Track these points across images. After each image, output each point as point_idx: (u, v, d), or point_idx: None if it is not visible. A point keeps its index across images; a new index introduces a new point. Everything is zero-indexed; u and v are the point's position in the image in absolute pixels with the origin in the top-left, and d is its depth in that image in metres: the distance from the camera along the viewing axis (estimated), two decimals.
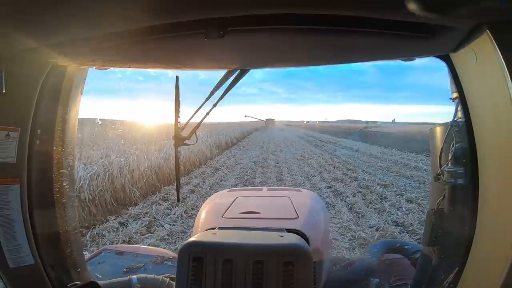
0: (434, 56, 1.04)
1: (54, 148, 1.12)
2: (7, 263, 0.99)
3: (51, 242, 1.13)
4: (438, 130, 1.20)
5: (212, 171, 11.21)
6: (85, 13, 0.66)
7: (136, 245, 2.91)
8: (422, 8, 0.60)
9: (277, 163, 13.41)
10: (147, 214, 6.54)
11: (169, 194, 7.87)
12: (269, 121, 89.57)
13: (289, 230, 1.20)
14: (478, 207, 0.93)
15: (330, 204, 7.27)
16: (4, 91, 0.85)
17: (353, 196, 7.92)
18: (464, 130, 1.02)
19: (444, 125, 1.15)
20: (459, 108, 1.08)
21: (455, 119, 1.10)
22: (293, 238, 1.12)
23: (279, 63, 1.18)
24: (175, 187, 8.20)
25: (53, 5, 0.61)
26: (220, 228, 1.23)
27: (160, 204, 7.19)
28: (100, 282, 1.30)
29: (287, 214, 1.42)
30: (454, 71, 1.00)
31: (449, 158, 1.10)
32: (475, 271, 0.95)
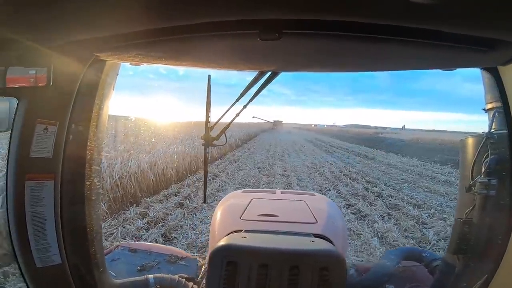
0: (481, 68, 1.05)
1: (88, 144, 1.07)
2: (34, 263, 0.96)
3: (78, 241, 1.09)
4: (471, 141, 1.20)
5: (209, 179, 9.67)
6: (133, 8, 0.64)
7: (150, 243, 2.60)
8: (482, 23, 0.64)
9: (285, 170, 11.80)
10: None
11: (149, 209, 6.33)
12: (277, 123, 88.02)
13: (315, 235, 1.21)
14: None
15: (354, 231, 5.65)
16: (51, 84, 0.83)
17: (382, 220, 6.28)
18: (502, 142, 1.03)
19: (478, 136, 1.15)
20: (495, 120, 1.08)
21: (490, 130, 1.10)
22: (325, 244, 1.14)
23: (316, 67, 1.17)
24: (155, 199, 7.14)
25: (99, 1, 0.60)
26: (247, 231, 1.22)
27: (130, 224, 5.63)
28: (117, 281, 1.28)
29: (305, 218, 1.44)
30: (500, 83, 1.00)
31: (483, 169, 1.10)
32: (505, 280, 0.96)
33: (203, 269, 1.61)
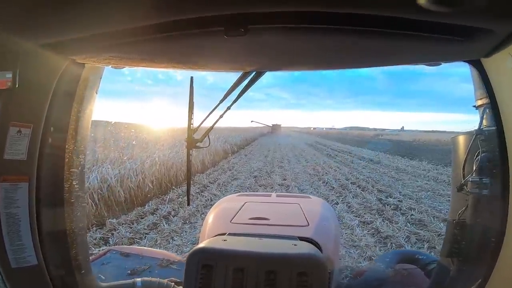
0: (464, 61, 1.00)
1: (66, 146, 1.07)
2: (10, 263, 0.96)
3: (57, 243, 1.09)
4: (461, 139, 1.17)
5: (197, 191, 8.33)
6: (103, 8, 0.63)
7: (142, 247, 2.34)
8: (460, 9, 0.58)
9: (284, 179, 10.46)
10: None
11: (112, 233, 4.99)
12: (276, 127, 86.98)
13: (301, 238, 1.19)
14: (508, 217, 0.91)
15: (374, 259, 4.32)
16: (17, 86, 0.83)
17: (409, 243, 4.98)
18: (492, 139, 1.00)
19: (468, 133, 1.13)
20: (485, 116, 1.06)
21: (481, 127, 1.07)
22: (307, 247, 1.11)
23: (301, 65, 1.13)
24: (125, 219, 5.87)
25: (65, 5, 0.60)
26: (230, 234, 1.22)
27: None
28: (103, 284, 1.27)
29: (298, 222, 1.43)
30: (485, 76, 0.96)
31: (474, 168, 1.07)
32: (500, 282, 0.94)
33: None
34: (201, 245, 1.08)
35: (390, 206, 7.19)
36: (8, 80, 0.83)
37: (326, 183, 9.90)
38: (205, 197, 7.70)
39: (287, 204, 1.74)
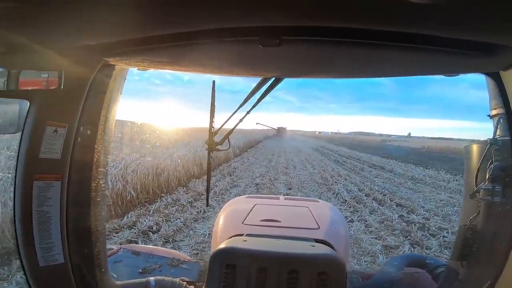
0: (482, 73, 1.03)
1: (95, 146, 1.09)
2: (38, 261, 0.96)
3: (82, 241, 1.10)
4: (475, 148, 1.20)
5: (190, 200, 7.28)
6: (141, 15, 0.65)
7: (153, 246, 2.23)
8: (482, 26, 0.63)
9: (290, 188, 9.36)
10: None
11: None
12: (281, 130, 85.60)
13: (317, 240, 1.23)
14: None
15: None
16: (62, 86, 0.85)
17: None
18: (505, 148, 1.04)
19: (482, 142, 1.15)
20: (499, 126, 1.08)
21: (495, 137, 1.10)
22: (325, 249, 1.16)
23: (325, 73, 1.17)
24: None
25: (109, 5, 0.61)
26: (248, 235, 1.26)
27: None
28: (119, 283, 1.29)
29: (308, 224, 1.48)
30: (502, 88, 0.99)
31: (487, 176, 1.10)
32: (508, 287, 0.96)
33: (205, 273, 1.59)
34: (223, 245, 1.11)
35: (416, 226, 6.07)
36: (49, 79, 0.84)
37: (337, 194, 8.77)
38: (197, 208, 6.64)
39: (296, 207, 1.78)
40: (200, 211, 6.46)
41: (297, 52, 0.88)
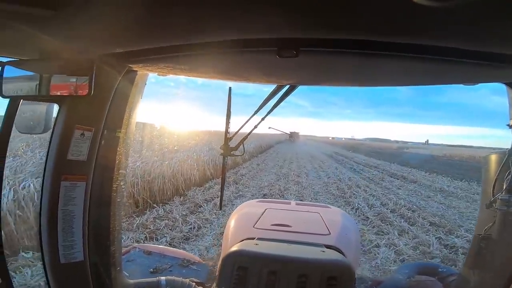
0: (502, 83, 1.05)
1: (118, 149, 1.12)
2: (59, 258, 0.99)
3: (100, 240, 1.12)
4: (493, 157, 1.20)
5: (185, 212, 6.28)
6: (163, 25, 0.69)
7: (164, 247, 2.08)
8: (498, 39, 0.64)
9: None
10: None
11: None
12: (293, 135, 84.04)
13: (327, 246, 1.24)
14: None
15: None
16: (92, 92, 0.86)
17: None
18: None
19: (501, 153, 1.16)
20: None
21: None
22: (335, 254, 1.18)
23: (340, 81, 1.20)
24: None
25: (135, 16, 0.64)
26: (259, 239, 1.28)
27: None
28: (131, 281, 1.31)
29: (318, 230, 1.48)
30: None
31: (504, 186, 1.11)
32: None
33: (213, 274, 1.66)
34: (235, 248, 1.14)
35: (460, 251, 4.84)
36: (77, 84, 0.86)
37: (357, 209, 7.56)
38: (192, 224, 5.61)
39: (307, 212, 1.78)
40: (194, 227, 5.45)
41: (313, 62, 0.89)
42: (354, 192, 9.61)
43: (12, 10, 0.58)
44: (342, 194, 9.30)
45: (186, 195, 7.74)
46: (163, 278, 1.37)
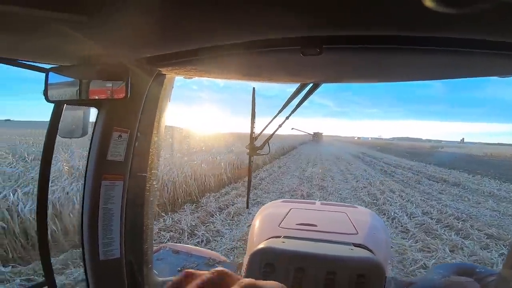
0: None
1: (150, 150, 1.16)
2: (99, 255, 1.02)
3: (135, 238, 1.15)
4: None
5: (195, 222, 5.60)
6: (191, 28, 0.71)
7: (192, 246, 2.09)
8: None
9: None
10: None
11: None
12: (317, 135, 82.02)
13: (355, 245, 1.24)
14: None
15: None
16: (129, 96, 0.90)
17: None
18: None
19: None
20: None
21: None
22: (364, 252, 1.18)
23: (364, 78, 1.17)
24: None
25: (164, 20, 0.66)
26: (285, 237, 1.30)
27: None
28: (160, 279, 1.33)
29: (345, 229, 1.47)
30: None
31: None
32: None
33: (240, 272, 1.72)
34: (262, 245, 1.17)
35: None
36: (113, 89, 0.89)
37: (393, 219, 6.48)
38: (197, 237, 4.91)
39: (333, 212, 1.78)
40: (201, 241, 4.76)
41: (337, 59, 0.89)
42: (388, 198, 8.47)
43: (51, 16, 0.59)
44: (374, 201, 8.19)
45: (199, 202, 7.10)
46: None
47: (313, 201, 2.11)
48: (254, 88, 1.37)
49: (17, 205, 4.09)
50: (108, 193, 1.01)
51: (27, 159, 7.64)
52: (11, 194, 4.29)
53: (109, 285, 1.07)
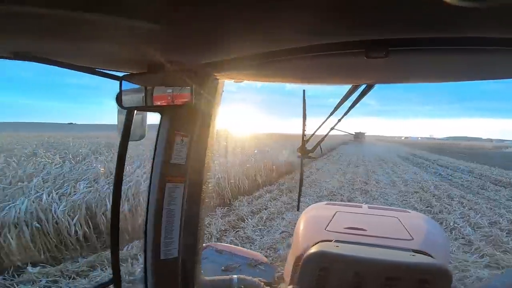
0: None
1: (206, 153, 1.19)
2: (160, 254, 1.06)
3: (190, 238, 1.18)
4: None
5: (225, 227, 5.31)
6: (249, 34, 0.71)
7: (234, 246, 2.10)
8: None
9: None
10: None
11: None
12: (359, 135, 77.90)
13: (414, 251, 1.21)
14: None
15: None
16: (193, 102, 0.95)
17: None
18: None
19: None
20: None
21: None
22: (426, 258, 1.15)
23: (426, 78, 1.16)
24: None
25: (224, 28, 0.67)
26: (337, 241, 1.28)
27: None
28: (207, 278, 1.36)
29: (399, 234, 1.43)
30: None
31: None
32: None
33: (280, 275, 1.72)
34: (315, 249, 1.17)
35: None
36: (174, 95, 0.93)
37: (453, 229, 5.50)
38: (225, 243, 4.61)
39: (383, 216, 1.72)
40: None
41: (402, 61, 0.87)
42: (446, 206, 7.34)
43: (126, 24, 0.61)
44: (428, 208, 7.15)
45: (231, 205, 6.85)
46: (235, 276, 1.44)
47: (359, 204, 2.03)
48: (304, 91, 1.37)
49: (51, 206, 4.20)
50: (171, 195, 1.05)
51: (72, 160, 8.13)
52: (47, 195, 4.44)
53: (166, 284, 1.12)
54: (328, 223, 1.54)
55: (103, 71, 0.94)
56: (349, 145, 43.54)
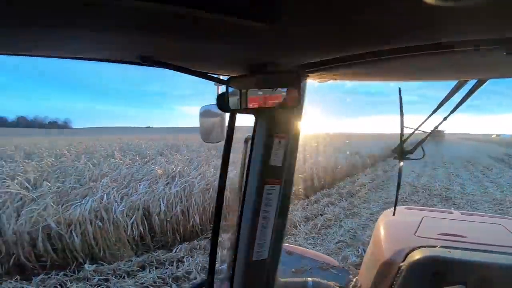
0: None
1: (295, 154, 1.19)
2: (252, 256, 1.06)
3: (277, 239, 1.18)
4: None
5: None
6: (344, 35, 0.69)
7: (303, 248, 2.11)
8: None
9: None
10: None
11: None
12: (436, 134, 68.03)
13: None
14: None
15: None
16: (299, 103, 0.94)
17: None
18: None
19: None
20: None
21: None
22: None
23: None
24: None
25: (329, 30, 0.66)
26: (443, 246, 1.24)
27: None
28: (282, 280, 1.36)
29: (508, 242, 1.34)
30: None
31: None
32: None
33: (355, 280, 1.63)
34: (425, 254, 1.15)
35: None
36: (268, 97, 0.92)
37: None
38: None
39: (483, 223, 1.64)
40: None
41: None
42: None
43: (236, 23, 0.60)
44: None
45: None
46: (309, 279, 1.44)
47: (449, 210, 1.96)
48: (400, 88, 1.34)
49: (112, 206, 4.49)
50: (268, 196, 1.05)
51: (139, 161, 8.84)
52: (109, 196, 4.77)
53: (253, 285, 1.12)
54: (417, 229, 1.49)
55: (212, 75, 0.96)
56: (423, 145, 38.36)
